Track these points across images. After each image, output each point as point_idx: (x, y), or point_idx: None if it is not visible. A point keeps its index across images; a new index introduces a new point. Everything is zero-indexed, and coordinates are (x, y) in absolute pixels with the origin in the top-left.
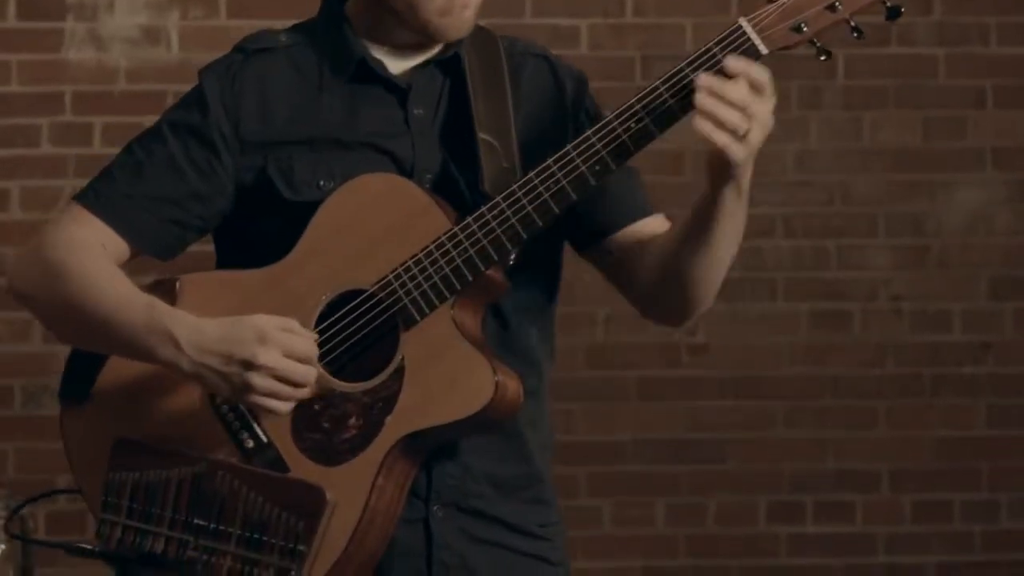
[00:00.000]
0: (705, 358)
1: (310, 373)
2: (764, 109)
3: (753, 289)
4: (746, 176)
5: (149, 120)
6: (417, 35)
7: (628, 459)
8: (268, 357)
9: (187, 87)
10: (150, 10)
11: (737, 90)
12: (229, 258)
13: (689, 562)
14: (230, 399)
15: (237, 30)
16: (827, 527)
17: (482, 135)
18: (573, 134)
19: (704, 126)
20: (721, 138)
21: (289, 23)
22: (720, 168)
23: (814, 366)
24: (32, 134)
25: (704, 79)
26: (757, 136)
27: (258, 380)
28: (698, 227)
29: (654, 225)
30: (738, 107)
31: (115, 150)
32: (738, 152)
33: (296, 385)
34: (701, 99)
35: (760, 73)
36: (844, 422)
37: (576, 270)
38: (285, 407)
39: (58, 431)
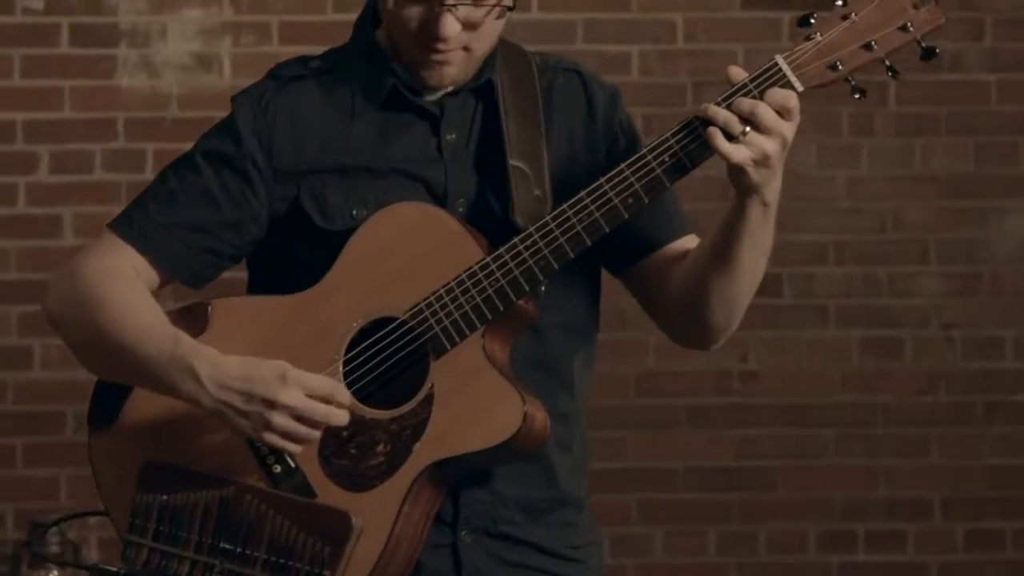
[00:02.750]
0: (756, 385)
1: (331, 412)
2: (785, 126)
3: (804, 316)
4: (771, 191)
5: None
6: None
7: (679, 487)
8: (289, 397)
9: None
10: (202, 37)
11: (765, 112)
12: (262, 284)
13: None
14: (249, 436)
15: (289, 56)
16: (878, 556)
17: (513, 162)
18: (605, 152)
19: (716, 140)
20: (739, 154)
21: None
22: (741, 182)
23: (865, 393)
24: (85, 160)
25: (735, 104)
26: (771, 148)
27: (278, 419)
28: (722, 239)
29: (688, 244)
30: (762, 128)
31: None
32: (755, 172)
33: (315, 425)
34: (723, 117)
35: (787, 98)
36: (895, 450)
37: (627, 296)
38: (299, 448)
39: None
